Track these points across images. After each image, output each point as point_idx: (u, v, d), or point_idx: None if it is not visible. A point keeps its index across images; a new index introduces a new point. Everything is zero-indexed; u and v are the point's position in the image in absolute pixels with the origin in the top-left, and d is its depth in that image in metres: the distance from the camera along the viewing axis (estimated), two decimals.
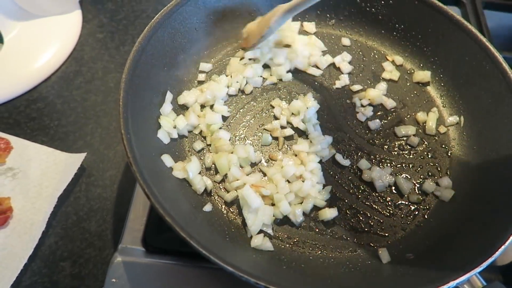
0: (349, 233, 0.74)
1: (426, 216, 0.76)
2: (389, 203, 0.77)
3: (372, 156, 0.82)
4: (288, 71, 0.92)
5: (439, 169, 0.82)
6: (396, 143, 0.85)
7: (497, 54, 0.83)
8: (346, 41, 0.99)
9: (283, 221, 0.73)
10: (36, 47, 1.06)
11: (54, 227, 0.80)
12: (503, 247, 0.62)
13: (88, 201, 0.84)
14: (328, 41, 0.99)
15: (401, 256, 0.70)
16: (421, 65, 0.95)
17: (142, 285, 0.71)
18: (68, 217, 0.82)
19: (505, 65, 0.82)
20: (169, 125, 0.79)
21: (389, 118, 0.88)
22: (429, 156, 0.84)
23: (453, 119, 0.87)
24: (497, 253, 0.61)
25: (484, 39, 0.85)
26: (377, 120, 0.87)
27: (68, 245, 0.79)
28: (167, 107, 0.81)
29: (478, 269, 0.60)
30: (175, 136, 0.79)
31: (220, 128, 0.82)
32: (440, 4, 0.91)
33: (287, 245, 0.71)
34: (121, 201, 0.84)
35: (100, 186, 0.87)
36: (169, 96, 0.83)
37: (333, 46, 0.99)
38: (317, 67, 0.94)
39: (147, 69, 0.79)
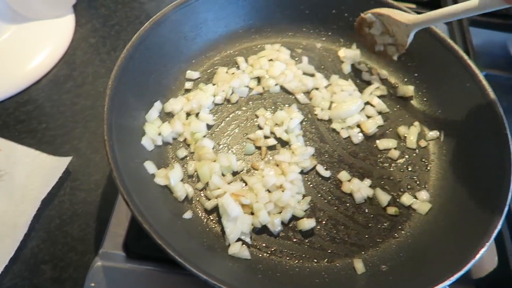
0: (327, 243, 0.75)
1: (402, 229, 0.78)
2: (367, 214, 0.79)
3: (353, 168, 0.84)
4: (276, 84, 0.94)
5: (417, 182, 0.84)
6: (377, 156, 0.86)
7: (478, 72, 0.85)
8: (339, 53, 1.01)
9: (261, 230, 0.74)
10: (28, 50, 1.07)
11: (37, 230, 0.81)
12: (473, 261, 0.64)
13: (72, 205, 0.85)
14: (315, 56, 1.01)
15: (376, 268, 0.72)
16: (405, 80, 0.97)
17: None
18: (52, 220, 0.83)
19: (485, 83, 0.84)
20: (154, 132, 0.80)
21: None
22: (409, 169, 0.85)
23: (433, 133, 0.89)
24: (467, 267, 0.63)
25: (466, 57, 0.87)
26: (360, 133, 0.88)
27: (50, 249, 0.80)
28: (153, 114, 0.82)
29: (448, 282, 0.61)
30: (160, 143, 0.81)
31: (204, 136, 0.83)
32: None
33: (265, 254, 0.72)
34: (105, 206, 0.85)
35: (84, 190, 0.87)
36: (157, 104, 0.84)
37: (322, 60, 1.00)
38: (305, 94, 0.94)
39: (134, 76, 0.81)
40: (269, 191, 0.77)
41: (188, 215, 0.73)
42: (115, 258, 0.75)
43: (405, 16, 0.85)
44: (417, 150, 0.88)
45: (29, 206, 0.81)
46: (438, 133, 0.89)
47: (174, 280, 0.74)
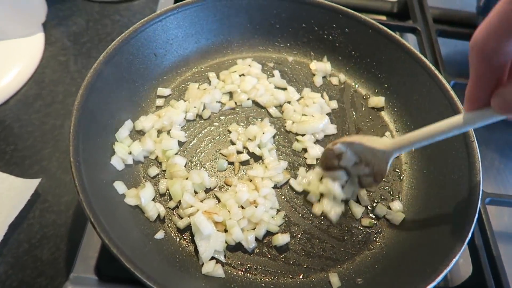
0: (302, 258, 0.74)
1: (377, 240, 0.78)
2: (342, 227, 0.79)
3: None
4: (248, 99, 0.94)
5: (391, 192, 0.84)
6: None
7: (445, 82, 0.87)
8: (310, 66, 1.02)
9: (235, 248, 0.74)
10: None
11: (4, 256, 0.78)
12: (446, 270, 0.64)
13: (42, 228, 0.83)
14: (287, 70, 1.01)
15: (351, 281, 0.72)
16: (376, 90, 0.98)
17: None
18: (20, 245, 0.80)
19: (452, 93, 0.85)
20: (124, 151, 0.79)
21: None
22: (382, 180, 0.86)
23: None
24: (439, 277, 0.63)
25: (432, 68, 0.89)
26: None
27: (19, 274, 0.77)
28: (123, 133, 0.81)
29: None
30: (130, 162, 0.79)
31: (176, 153, 0.82)
32: (392, 33, 0.95)
33: (239, 272, 0.71)
34: (76, 228, 0.83)
35: (54, 212, 0.85)
36: (127, 123, 0.83)
37: (294, 73, 1.01)
38: (277, 107, 0.94)
39: (103, 94, 0.79)
40: (242, 207, 0.76)
41: (160, 235, 0.72)
42: (87, 281, 0.73)
43: (381, 142, 0.74)
44: None
45: None
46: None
47: None
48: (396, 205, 0.82)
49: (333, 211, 0.78)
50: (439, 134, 0.66)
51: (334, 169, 0.79)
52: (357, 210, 0.80)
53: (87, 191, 0.64)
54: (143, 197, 0.73)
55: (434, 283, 0.63)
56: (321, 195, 0.80)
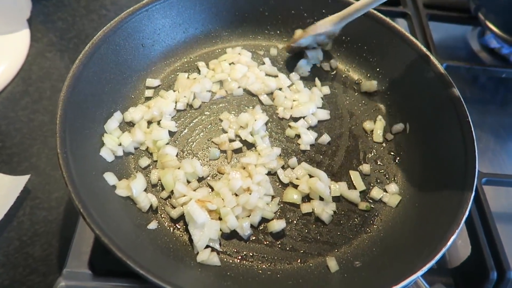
0: (299, 244, 0.73)
1: (374, 223, 0.77)
2: (339, 211, 0.78)
3: (322, 167, 0.83)
4: (239, 87, 0.92)
5: (386, 176, 0.83)
6: (344, 152, 0.86)
7: (437, 63, 0.86)
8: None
9: (231, 235, 0.72)
10: None
11: None
12: (444, 249, 0.63)
13: (33, 225, 0.81)
14: (277, 57, 1.00)
15: (349, 264, 0.71)
16: (368, 75, 0.97)
17: None
18: (10, 242, 0.79)
19: (445, 74, 0.84)
20: (113, 142, 0.77)
21: (336, 128, 0.89)
22: (377, 163, 0.85)
23: (399, 126, 0.89)
24: (438, 256, 0.62)
25: (425, 49, 0.88)
26: (325, 133, 0.88)
27: (10, 273, 0.75)
28: (111, 124, 0.79)
29: (420, 273, 0.60)
30: (120, 153, 0.78)
31: (167, 144, 0.81)
32: (383, 17, 0.94)
33: (235, 260, 0.70)
34: (67, 224, 0.81)
35: (45, 208, 0.83)
36: (116, 114, 0.81)
37: (284, 61, 1.00)
38: (268, 95, 0.93)
39: (89, 86, 0.78)
40: (236, 194, 0.74)
41: (153, 225, 0.71)
42: (81, 276, 0.72)
43: (327, 21, 0.92)
44: (384, 144, 0.88)
45: None
46: (403, 125, 0.89)
47: None
48: (392, 187, 0.81)
49: (325, 212, 0.76)
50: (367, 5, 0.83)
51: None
52: (354, 194, 0.79)
53: (75, 182, 0.62)
54: (135, 188, 0.72)
55: (432, 262, 0.62)
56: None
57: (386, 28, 0.93)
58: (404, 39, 0.91)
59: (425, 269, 0.61)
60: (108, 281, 0.72)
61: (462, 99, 0.81)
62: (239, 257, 0.70)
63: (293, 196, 0.77)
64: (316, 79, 0.96)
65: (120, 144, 0.78)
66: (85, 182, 0.65)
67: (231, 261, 0.70)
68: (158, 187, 0.76)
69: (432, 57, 0.87)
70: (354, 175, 0.82)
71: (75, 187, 0.61)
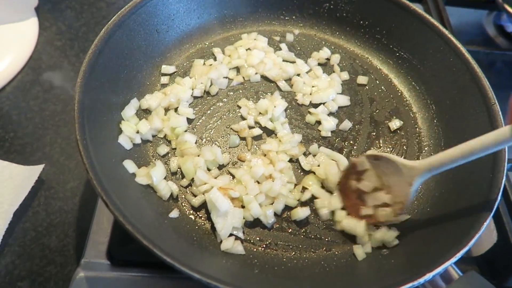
0: (323, 232, 0.71)
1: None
2: None
3: (342, 153, 0.81)
4: (256, 73, 0.90)
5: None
6: (365, 139, 0.83)
7: (460, 46, 0.84)
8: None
9: (254, 224, 0.70)
10: None
11: (11, 245, 0.75)
12: (476, 235, 0.61)
13: (48, 215, 0.79)
14: (294, 43, 0.98)
15: (376, 252, 0.69)
16: (388, 59, 0.95)
17: None
18: (26, 233, 0.77)
19: (468, 56, 0.82)
20: (131, 130, 0.75)
21: (357, 114, 0.87)
22: (404, 148, 0.83)
23: (421, 111, 0.87)
24: (471, 242, 0.60)
25: (446, 32, 0.86)
26: (346, 119, 0.85)
27: (26, 264, 0.74)
28: (129, 111, 0.77)
29: (454, 260, 0.58)
30: (138, 141, 0.76)
31: (186, 131, 0.79)
32: (402, 0, 0.91)
33: (259, 248, 0.68)
34: (84, 214, 0.80)
35: (60, 199, 0.81)
36: (133, 101, 0.79)
37: (301, 46, 0.97)
38: (286, 81, 0.90)
39: (105, 72, 0.76)
40: (258, 182, 0.72)
41: (174, 214, 0.69)
42: (99, 267, 0.70)
43: (410, 161, 0.66)
44: (407, 129, 0.86)
45: (0, 220, 0.74)
46: (426, 110, 0.87)
47: (163, 285, 0.69)
48: None
49: (327, 207, 0.73)
50: (480, 151, 0.57)
51: (350, 194, 0.71)
52: None
53: (96, 169, 0.60)
54: (155, 176, 0.70)
55: (466, 248, 0.60)
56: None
57: (405, 11, 0.91)
58: (424, 21, 0.89)
59: (458, 255, 0.59)
60: (126, 271, 0.70)
61: (486, 81, 0.79)
62: (263, 246, 0.68)
63: (308, 182, 0.75)
64: (335, 64, 0.93)
65: (137, 132, 0.76)
66: (105, 169, 0.63)
67: (255, 249, 0.68)
68: (178, 175, 0.74)
69: (453, 39, 0.85)
70: None
71: (96, 174, 0.59)
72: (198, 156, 0.74)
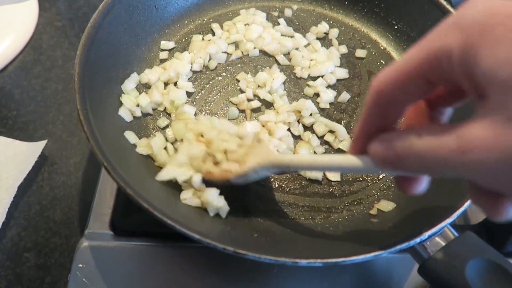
0: (323, 201, 0.72)
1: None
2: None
3: (341, 123, 0.81)
4: (255, 48, 0.90)
5: None
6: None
7: None
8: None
9: None
10: None
11: (16, 218, 0.76)
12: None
13: (52, 189, 0.81)
14: (293, 18, 0.98)
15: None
16: (386, 33, 0.95)
17: (111, 269, 0.68)
18: (31, 207, 0.78)
19: None
20: (131, 102, 0.76)
21: (355, 87, 0.87)
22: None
23: None
24: (466, 204, 0.61)
25: (445, 3, 0.86)
26: (345, 91, 0.86)
27: (32, 236, 0.75)
28: (129, 85, 0.78)
29: (449, 220, 0.59)
30: (138, 114, 0.77)
31: (185, 103, 0.80)
32: None
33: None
34: (87, 188, 0.81)
35: (64, 173, 0.83)
36: (133, 75, 0.80)
37: (300, 21, 0.97)
38: (285, 55, 0.90)
39: (105, 47, 0.76)
40: None
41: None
42: (102, 237, 0.71)
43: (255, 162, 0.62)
44: None
45: (5, 194, 0.76)
46: None
47: (166, 254, 0.70)
48: None
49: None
50: (313, 167, 0.58)
51: None
52: None
53: (97, 138, 0.61)
54: (155, 145, 0.70)
55: (462, 209, 0.60)
56: None
57: None
58: None
59: (454, 216, 0.59)
60: (129, 241, 0.71)
61: None
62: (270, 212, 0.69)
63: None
64: (333, 38, 0.94)
65: (138, 105, 0.77)
66: (106, 139, 0.64)
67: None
68: (176, 145, 0.75)
69: (453, 11, 0.85)
70: None
71: (98, 142, 0.60)
72: None
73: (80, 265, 0.68)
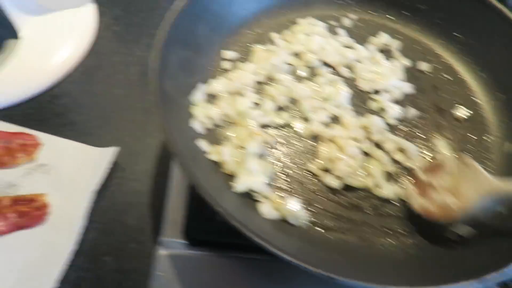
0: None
1: None
2: None
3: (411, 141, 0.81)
4: (316, 59, 0.91)
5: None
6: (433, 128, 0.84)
7: None
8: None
9: None
10: (53, 42, 1.05)
11: (92, 222, 0.80)
12: None
13: (124, 195, 0.84)
14: (352, 28, 0.98)
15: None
16: (450, 46, 0.94)
17: (188, 278, 0.71)
18: (106, 212, 0.81)
19: None
20: (202, 114, 0.78)
21: (420, 102, 0.87)
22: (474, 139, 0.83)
23: (489, 101, 0.87)
24: None
25: (511, 16, 0.85)
26: (410, 106, 0.85)
27: (109, 240, 0.79)
28: (198, 96, 0.80)
29: None
30: (208, 125, 0.79)
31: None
32: None
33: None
34: (156, 194, 0.84)
35: (133, 180, 0.86)
36: (201, 86, 0.82)
37: (359, 32, 0.98)
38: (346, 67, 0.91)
39: (173, 56, 0.77)
40: None
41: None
42: (177, 246, 0.74)
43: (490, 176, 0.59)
44: (475, 119, 0.85)
45: (82, 198, 0.79)
46: (491, 99, 0.87)
47: (240, 265, 0.73)
48: None
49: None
50: None
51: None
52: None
53: (175, 137, 0.65)
54: (225, 153, 0.72)
55: None
56: None
57: None
58: (489, 6, 0.88)
59: None
60: (204, 250, 0.74)
61: None
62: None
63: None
64: (395, 50, 0.94)
65: (208, 117, 0.79)
66: (180, 142, 0.66)
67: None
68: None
69: None
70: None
71: (175, 140, 0.63)
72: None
73: (160, 274, 0.71)
